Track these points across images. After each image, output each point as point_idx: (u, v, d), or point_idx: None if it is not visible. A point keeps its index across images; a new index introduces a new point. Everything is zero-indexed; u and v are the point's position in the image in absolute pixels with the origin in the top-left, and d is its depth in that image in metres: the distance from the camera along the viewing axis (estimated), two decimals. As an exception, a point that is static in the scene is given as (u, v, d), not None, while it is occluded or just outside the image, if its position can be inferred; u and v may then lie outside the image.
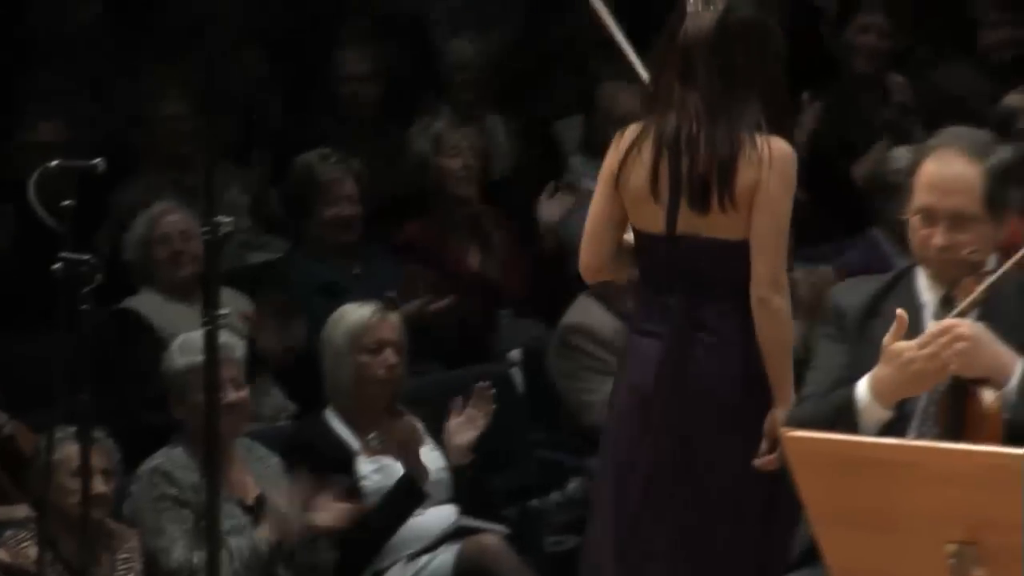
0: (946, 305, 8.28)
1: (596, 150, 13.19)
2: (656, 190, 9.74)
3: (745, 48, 10.19)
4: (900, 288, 8.59)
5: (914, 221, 8.31)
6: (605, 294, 12.10)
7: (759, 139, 9.75)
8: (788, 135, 10.14)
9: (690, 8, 10.18)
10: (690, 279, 9.82)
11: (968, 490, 7.24)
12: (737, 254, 9.81)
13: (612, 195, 9.96)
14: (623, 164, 9.83)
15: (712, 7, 10.32)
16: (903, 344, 8.00)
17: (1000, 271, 8.17)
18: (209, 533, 9.08)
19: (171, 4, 16.05)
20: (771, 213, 9.88)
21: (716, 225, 9.77)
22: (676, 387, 9.60)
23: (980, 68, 15.78)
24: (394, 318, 11.39)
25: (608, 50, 13.04)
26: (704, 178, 9.75)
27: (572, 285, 12.18)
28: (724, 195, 9.77)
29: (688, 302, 9.83)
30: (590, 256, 9.93)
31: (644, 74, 10.12)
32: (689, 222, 9.73)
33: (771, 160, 9.76)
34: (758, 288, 9.71)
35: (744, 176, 9.77)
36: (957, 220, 8.25)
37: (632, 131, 9.89)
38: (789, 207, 9.97)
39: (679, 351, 9.82)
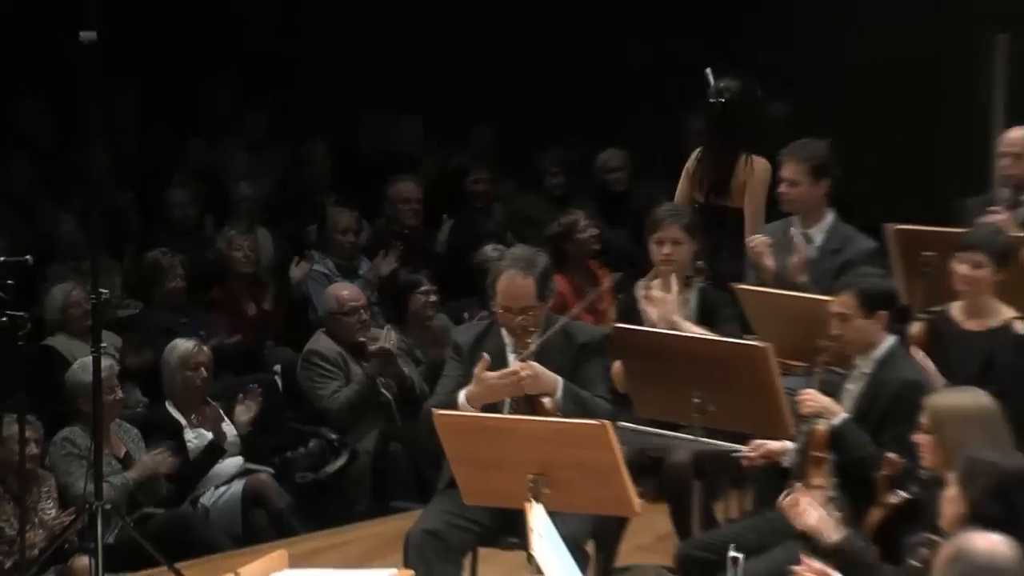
0: (517, 350, 9.34)
1: (327, 247, 14.55)
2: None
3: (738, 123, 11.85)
4: (493, 331, 9.59)
5: (498, 311, 9.45)
6: (333, 331, 12.85)
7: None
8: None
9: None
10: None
11: (540, 444, 8.43)
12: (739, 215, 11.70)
13: (687, 184, 11.98)
14: (689, 171, 11.94)
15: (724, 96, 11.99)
16: (487, 373, 9.13)
17: (546, 335, 9.25)
18: (96, 474, 10.12)
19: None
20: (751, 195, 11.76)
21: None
22: None
23: (544, 197, 16.06)
24: (205, 349, 12.24)
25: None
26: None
27: (311, 325, 13.36)
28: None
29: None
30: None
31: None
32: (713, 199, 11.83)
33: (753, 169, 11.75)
34: None
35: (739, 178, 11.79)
36: (522, 310, 9.29)
37: (693, 157, 12.04)
38: (763, 193, 11.72)
39: None
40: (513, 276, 9.49)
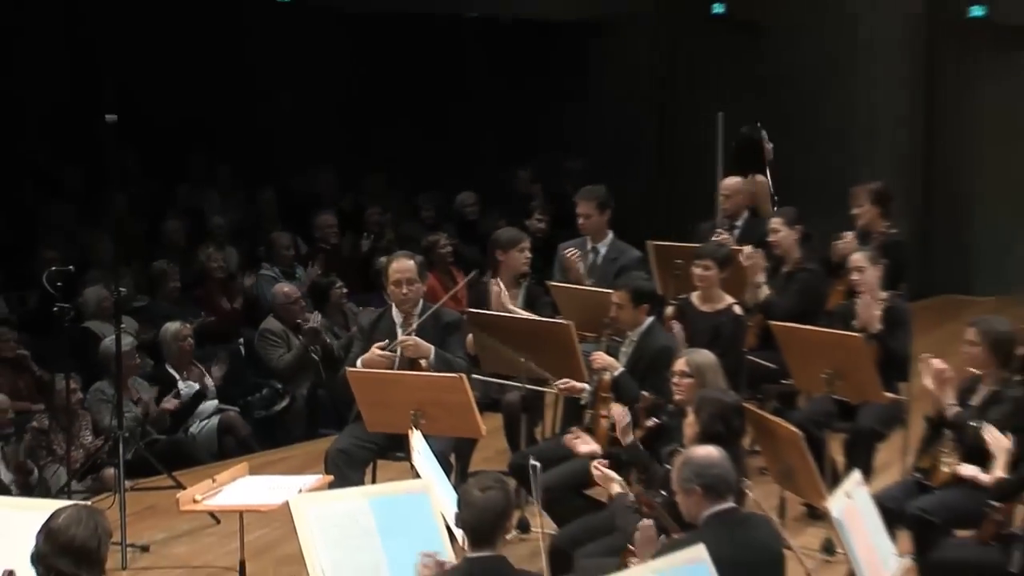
0: (405, 325, 9.23)
1: (273, 259, 14.27)
2: None
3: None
4: (385, 316, 9.40)
5: (391, 288, 9.30)
6: (278, 315, 12.49)
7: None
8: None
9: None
10: None
11: (419, 390, 8.48)
12: None
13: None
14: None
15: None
16: (375, 349, 9.03)
17: (423, 317, 9.19)
18: (118, 413, 9.88)
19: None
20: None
21: None
22: None
23: (420, 224, 15.84)
24: (190, 327, 12.04)
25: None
26: None
27: (262, 313, 12.99)
28: None
29: None
30: None
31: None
32: None
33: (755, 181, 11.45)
34: None
35: None
36: (408, 282, 9.21)
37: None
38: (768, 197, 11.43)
39: None
40: (401, 258, 9.51)
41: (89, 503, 7.26)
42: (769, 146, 11.51)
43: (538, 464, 6.42)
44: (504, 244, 10.63)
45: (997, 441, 7.75)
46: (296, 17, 18.75)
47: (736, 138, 11.68)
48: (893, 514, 7.69)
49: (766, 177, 11.44)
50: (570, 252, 10.92)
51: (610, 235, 11.07)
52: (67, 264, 11.30)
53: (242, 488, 7.95)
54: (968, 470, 7.84)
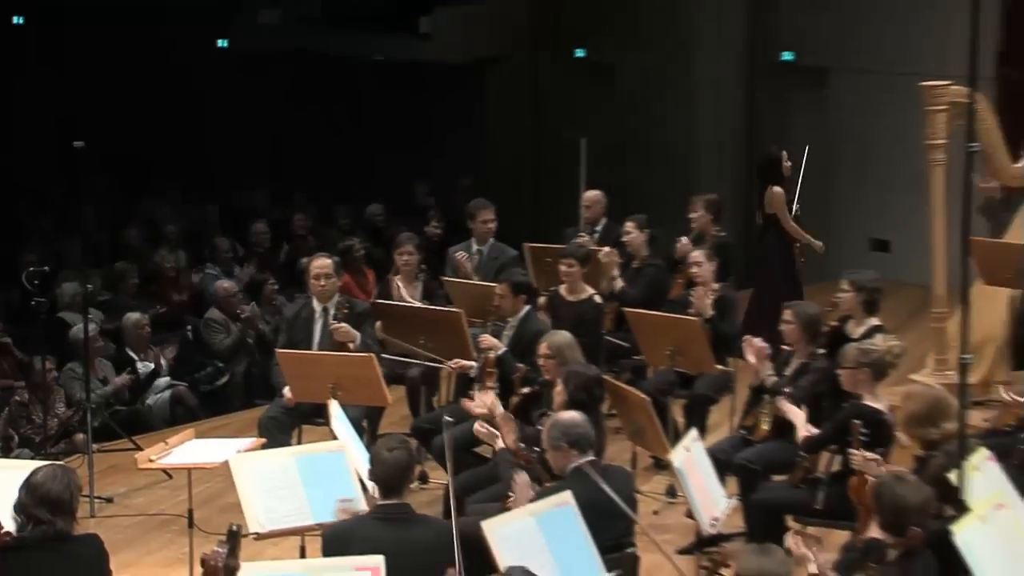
0: (325, 314, 9.20)
1: (216, 260, 14.19)
2: None
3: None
4: (307, 308, 9.33)
5: (311, 283, 9.27)
6: (220, 307, 12.21)
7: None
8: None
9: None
10: None
11: (337, 366, 8.49)
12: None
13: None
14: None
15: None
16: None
17: (345, 309, 9.18)
18: (86, 388, 9.83)
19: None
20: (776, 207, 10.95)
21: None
22: None
23: (338, 231, 15.56)
24: (147, 317, 11.89)
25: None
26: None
27: (207, 305, 12.78)
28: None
29: None
30: None
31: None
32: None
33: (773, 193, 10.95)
34: None
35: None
36: (326, 276, 9.20)
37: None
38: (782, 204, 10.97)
39: None
40: (320, 258, 9.53)
41: (62, 463, 7.21)
42: (788, 164, 11.34)
43: (452, 420, 6.40)
44: (394, 248, 10.60)
45: (790, 411, 7.85)
46: (233, 61, 18.92)
47: (760, 156, 11.47)
48: (723, 464, 7.74)
49: (782, 189, 11.21)
50: (459, 255, 10.88)
51: (492, 239, 11.04)
52: (43, 265, 11.43)
53: (190, 449, 7.93)
54: (788, 408, 7.91)
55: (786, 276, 11.12)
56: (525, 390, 8.31)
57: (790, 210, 11.16)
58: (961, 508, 5.64)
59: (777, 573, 5.33)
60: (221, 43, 19.07)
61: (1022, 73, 13.78)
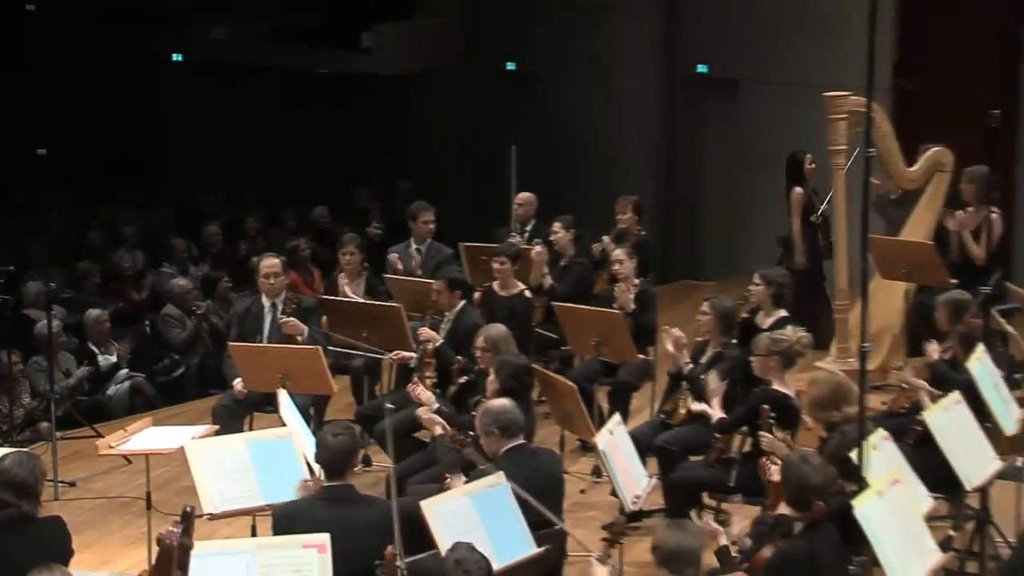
0: (274, 309, 9.12)
1: (172, 259, 14.12)
2: None
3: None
4: (256, 304, 9.32)
5: (261, 281, 9.27)
6: (176, 303, 12.10)
7: None
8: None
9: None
10: None
11: (286, 358, 8.42)
12: None
13: None
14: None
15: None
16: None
17: (293, 305, 9.15)
18: (50, 379, 9.87)
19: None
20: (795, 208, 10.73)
21: None
22: None
23: (286, 231, 15.57)
24: (107, 313, 11.71)
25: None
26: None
27: (164, 301, 12.53)
28: None
29: None
30: None
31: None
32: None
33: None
34: None
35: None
36: (275, 275, 9.20)
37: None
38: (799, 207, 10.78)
39: None
40: (268, 257, 9.52)
41: (28, 450, 7.19)
42: (811, 167, 11.22)
43: (393, 406, 6.38)
44: (338, 248, 10.55)
45: (712, 382, 7.85)
46: (187, 73, 18.87)
47: (787, 158, 11.30)
48: (644, 446, 7.76)
49: (804, 189, 11.11)
50: (391, 257, 10.89)
51: (430, 238, 11.03)
52: (9, 266, 11.15)
53: (148, 436, 7.89)
54: (698, 406, 7.94)
55: (812, 265, 11.03)
56: (462, 380, 8.27)
57: (817, 210, 11.05)
58: (861, 484, 5.69)
59: (690, 545, 5.39)
60: (176, 56, 19.07)
61: (915, 84, 14.03)
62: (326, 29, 18.56)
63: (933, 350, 8.09)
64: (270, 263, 9.35)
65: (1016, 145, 13.41)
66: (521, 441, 6.69)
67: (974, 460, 6.81)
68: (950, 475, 6.71)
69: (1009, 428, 7.34)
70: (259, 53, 18.42)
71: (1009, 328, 8.36)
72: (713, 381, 7.85)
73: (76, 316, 12.28)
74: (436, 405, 7.74)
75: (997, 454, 7.06)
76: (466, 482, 6.44)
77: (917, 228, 10.26)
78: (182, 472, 7.89)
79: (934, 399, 7.37)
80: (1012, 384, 7.80)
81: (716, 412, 7.73)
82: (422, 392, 7.97)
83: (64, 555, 5.84)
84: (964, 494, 7.06)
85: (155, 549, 5.26)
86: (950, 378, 7.64)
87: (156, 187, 17.95)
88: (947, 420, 6.85)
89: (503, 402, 6.78)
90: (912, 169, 10.24)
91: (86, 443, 9.88)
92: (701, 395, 8.08)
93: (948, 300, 8.31)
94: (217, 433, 7.91)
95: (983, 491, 7.03)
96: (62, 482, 9.33)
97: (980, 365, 7.36)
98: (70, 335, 11.87)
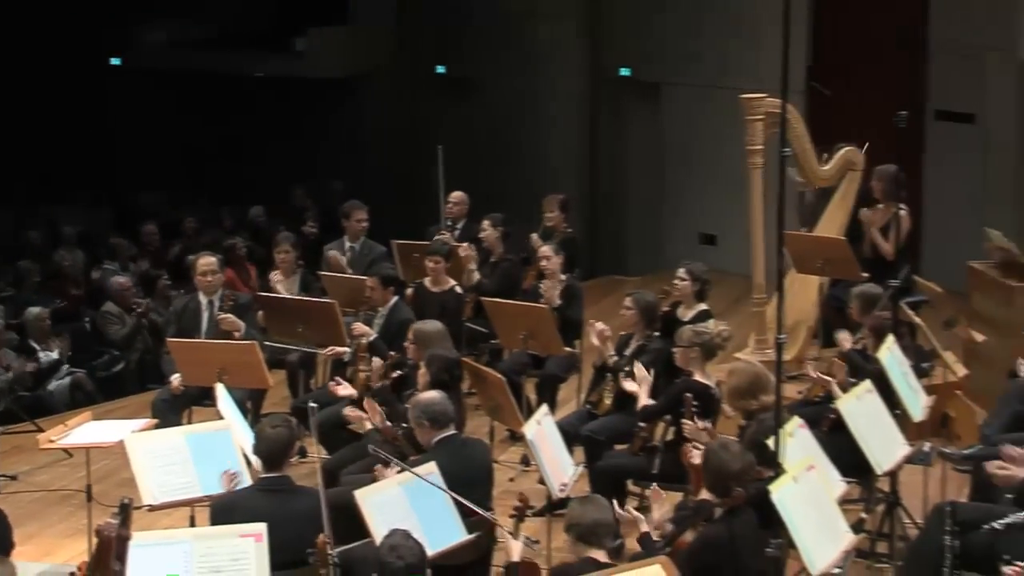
0: (212, 306, 9.10)
1: (114, 257, 14.04)
2: None
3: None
4: (193, 301, 9.27)
5: (198, 279, 9.21)
6: (116, 300, 11.97)
7: None
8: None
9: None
10: None
11: (223, 353, 8.35)
12: None
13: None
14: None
15: None
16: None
17: (231, 301, 9.10)
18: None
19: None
20: None
21: None
22: None
23: (222, 231, 15.56)
24: (47, 311, 11.63)
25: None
26: None
27: (104, 298, 12.41)
28: None
29: None
30: None
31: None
32: None
33: None
34: None
35: None
36: (212, 273, 9.19)
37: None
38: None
39: None
40: (205, 255, 9.49)
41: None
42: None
43: (315, 406, 6.35)
44: (273, 246, 10.53)
45: (640, 372, 7.84)
46: (127, 77, 18.80)
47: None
48: (570, 435, 7.77)
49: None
50: (331, 253, 10.85)
51: (364, 236, 11.01)
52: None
53: (88, 430, 7.83)
54: (631, 385, 7.89)
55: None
56: (395, 374, 8.24)
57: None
58: (777, 470, 5.72)
59: (601, 518, 5.50)
60: (115, 60, 18.92)
61: (827, 85, 14.10)
62: (262, 34, 18.56)
63: (845, 340, 8.17)
64: (207, 261, 9.30)
65: (924, 144, 13.50)
66: (452, 432, 6.68)
67: (884, 446, 6.87)
68: (862, 460, 6.77)
69: (917, 415, 7.43)
70: (197, 57, 18.34)
71: (917, 320, 8.42)
72: (641, 371, 7.84)
73: (17, 314, 12.14)
74: (354, 394, 7.75)
75: (906, 440, 7.14)
76: (400, 471, 6.39)
77: (830, 225, 10.32)
78: (122, 465, 7.75)
79: (846, 388, 7.44)
80: (920, 373, 7.93)
81: (643, 401, 7.71)
82: (341, 389, 7.93)
83: (5, 547, 5.80)
84: (875, 478, 7.16)
85: (95, 540, 5.21)
86: (862, 367, 7.73)
87: (96, 188, 17.88)
88: (859, 408, 6.89)
89: (433, 394, 6.77)
90: (825, 168, 10.30)
91: (27, 437, 9.72)
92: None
93: (860, 293, 8.39)
94: (156, 427, 7.87)
95: (893, 475, 7.11)
96: (3, 476, 9.25)
97: (890, 355, 7.45)
98: (11, 332, 11.70)
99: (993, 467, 6.23)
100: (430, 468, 6.28)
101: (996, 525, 5.92)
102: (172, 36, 18.78)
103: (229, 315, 9.10)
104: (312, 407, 6.25)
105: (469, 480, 6.42)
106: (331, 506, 5.77)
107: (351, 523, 5.91)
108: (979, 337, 8.86)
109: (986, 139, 13.21)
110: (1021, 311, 9.20)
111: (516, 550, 5.84)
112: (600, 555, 5.54)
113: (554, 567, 6.11)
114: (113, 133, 18.62)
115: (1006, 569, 5.16)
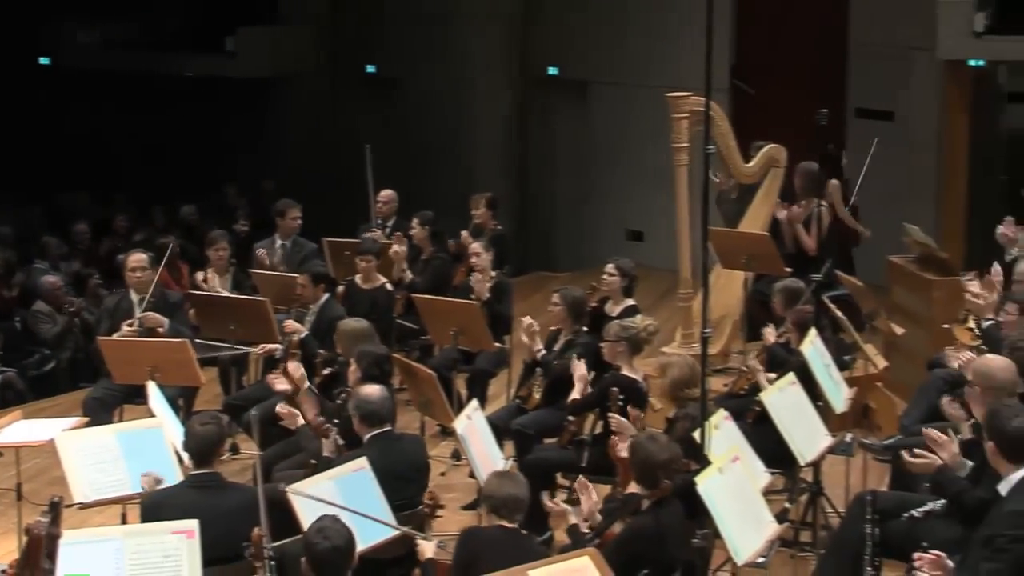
0: (143, 304, 9.05)
1: (44, 256, 13.76)
2: None
3: None
4: (125, 299, 9.22)
5: (128, 275, 9.18)
6: (47, 299, 11.76)
7: None
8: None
9: None
10: None
11: (154, 352, 8.27)
12: None
13: None
14: None
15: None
16: (124, 327, 8.93)
17: (156, 298, 9.05)
18: None
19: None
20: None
21: None
22: None
23: (154, 230, 15.38)
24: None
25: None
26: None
27: (35, 298, 12.10)
28: None
29: None
30: None
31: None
32: None
33: None
34: None
35: None
36: (141, 270, 9.04)
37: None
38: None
39: None
40: (135, 253, 9.45)
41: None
42: (845, 162, 11.11)
43: (256, 413, 6.28)
44: (207, 244, 10.54)
45: (577, 369, 7.84)
46: (56, 76, 18.78)
47: (820, 153, 10.67)
48: (500, 430, 7.75)
49: (840, 182, 10.98)
50: (259, 251, 10.81)
51: (296, 234, 10.98)
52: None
53: (18, 429, 7.77)
54: (580, 369, 7.82)
55: (843, 259, 10.77)
56: (326, 371, 8.21)
57: (848, 201, 10.98)
58: (703, 462, 5.77)
59: (515, 492, 5.60)
60: (43, 60, 18.83)
61: (750, 83, 14.33)
62: (191, 33, 18.46)
63: (769, 334, 8.24)
64: (136, 258, 9.25)
65: (844, 142, 13.58)
66: (387, 428, 6.67)
67: (807, 437, 6.94)
68: (785, 451, 6.82)
69: (839, 407, 7.48)
70: (127, 56, 18.24)
71: (839, 313, 8.50)
72: (579, 367, 7.84)
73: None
74: (306, 385, 7.68)
75: (828, 431, 7.21)
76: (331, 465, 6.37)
77: (754, 221, 10.43)
78: (52, 463, 7.68)
79: (770, 381, 7.50)
80: (842, 366, 8.07)
81: (575, 395, 7.73)
82: (279, 383, 7.87)
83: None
84: (798, 468, 7.19)
85: (25, 539, 5.15)
86: (785, 360, 7.79)
87: (26, 186, 17.64)
88: (782, 400, 6.96)
89: (369, 390, 6.74)
90: (749, 165, 10.39)
91: (-43, 438, 9.54)
92: (554, 380, 8.18)
93: (783, 288, 8.48)
94: (87, 425, 7.78)
95: (816, 465, 7.17)
96: (-66, 476, 9.16)
97: (812, 348, 7.52)
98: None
99: (907, 456, 6.26)
100: (361, 463, 6.24)
101: (915, 513, 6.00)
102: (105, 35, 18.68)
103: (150, 312, 9.05)
104: (254, 414, 6.21)
105: (401, 476, 6.41)
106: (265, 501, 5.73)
107: (284, 520, 5.86)
108: (899, 330, 8.93)
109: (906, 137, 13.37)
110: (939, 305, 9.31)
111: (428, 550, 5.83)
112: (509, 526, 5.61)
113: (465, 528, 6.13)
114: (43, 133, 18.43)
115: (915, 556, 5.20)
